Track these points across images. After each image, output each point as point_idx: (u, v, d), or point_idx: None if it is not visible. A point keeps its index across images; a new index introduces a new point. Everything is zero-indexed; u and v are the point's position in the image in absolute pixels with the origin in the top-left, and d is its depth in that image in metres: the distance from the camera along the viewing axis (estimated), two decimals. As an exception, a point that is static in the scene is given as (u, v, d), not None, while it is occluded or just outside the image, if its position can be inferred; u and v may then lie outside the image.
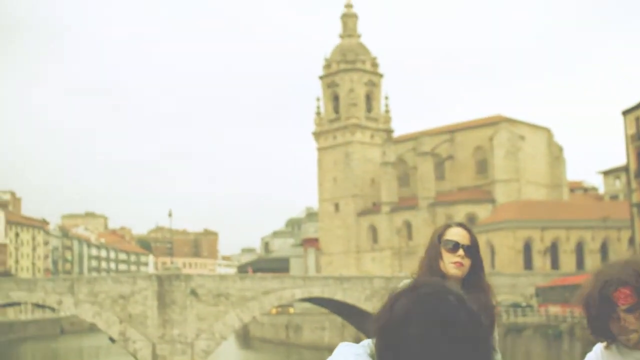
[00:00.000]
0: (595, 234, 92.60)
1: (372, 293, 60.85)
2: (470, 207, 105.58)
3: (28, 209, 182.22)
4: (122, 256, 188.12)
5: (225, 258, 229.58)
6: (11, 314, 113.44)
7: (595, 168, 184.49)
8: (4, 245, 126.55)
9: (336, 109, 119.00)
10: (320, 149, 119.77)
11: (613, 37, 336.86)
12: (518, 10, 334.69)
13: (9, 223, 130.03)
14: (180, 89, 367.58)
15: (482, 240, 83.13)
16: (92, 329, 74.76)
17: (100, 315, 54.84)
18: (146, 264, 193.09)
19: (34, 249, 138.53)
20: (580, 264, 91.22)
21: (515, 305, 62.35)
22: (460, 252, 3.82)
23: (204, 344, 55.55)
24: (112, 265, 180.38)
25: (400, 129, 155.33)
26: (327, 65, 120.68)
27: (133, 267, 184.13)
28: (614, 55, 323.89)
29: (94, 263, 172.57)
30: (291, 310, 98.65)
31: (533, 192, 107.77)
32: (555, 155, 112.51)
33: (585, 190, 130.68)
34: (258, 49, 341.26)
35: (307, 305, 79.42)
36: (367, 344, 2.50)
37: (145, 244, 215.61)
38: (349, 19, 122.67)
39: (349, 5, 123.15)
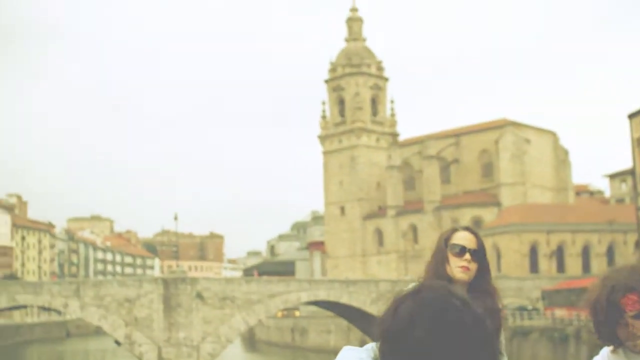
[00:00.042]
0: (601, 237, 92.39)
1: (377, 296, 60.81)
2: (475, 211, 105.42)
3: (34, 213, 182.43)
4: (128, 259, 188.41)
5: (231, 261, 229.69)
6: (17, 317, 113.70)
7: (601, 171, 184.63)
8: (10, 249, 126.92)
9: (342, 113, 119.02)
10: (325, 153, 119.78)
11: (619, 40, 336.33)
12: (522, 13, 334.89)
13: (15, 226, 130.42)
14: (185, 93, 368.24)
15: (487, 243, 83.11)
16: (98, 332, 74.88)
17: (106, 319, 54.91)
18: (152, 267, 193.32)
19: (40, 252, 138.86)
20: (586, 267, 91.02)
21: (522, 309, 62.26)
22: (467, 256, 3.82)
23: (209, 347, 55.57)
24: (118, 269, 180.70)
25: (405, 132, 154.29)
26: (333, 69, 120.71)
27: (139, 271, 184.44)
28: (620, 57, 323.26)
29: (99, 266, 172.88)
30: (297, 313, 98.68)
31: (539, 196, 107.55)
32: (561, 158, 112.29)
33: (591, 193, 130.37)
34: (264, 53, 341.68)
35: (313, 308, 79.50)
36: (371, 347, 2.50)
37: (151, 247, 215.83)
38: (354, 22, 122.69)
39: (354, 9, 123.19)
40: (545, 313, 59.00)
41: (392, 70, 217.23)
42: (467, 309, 1.94)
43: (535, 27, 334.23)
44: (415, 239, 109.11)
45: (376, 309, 58.83)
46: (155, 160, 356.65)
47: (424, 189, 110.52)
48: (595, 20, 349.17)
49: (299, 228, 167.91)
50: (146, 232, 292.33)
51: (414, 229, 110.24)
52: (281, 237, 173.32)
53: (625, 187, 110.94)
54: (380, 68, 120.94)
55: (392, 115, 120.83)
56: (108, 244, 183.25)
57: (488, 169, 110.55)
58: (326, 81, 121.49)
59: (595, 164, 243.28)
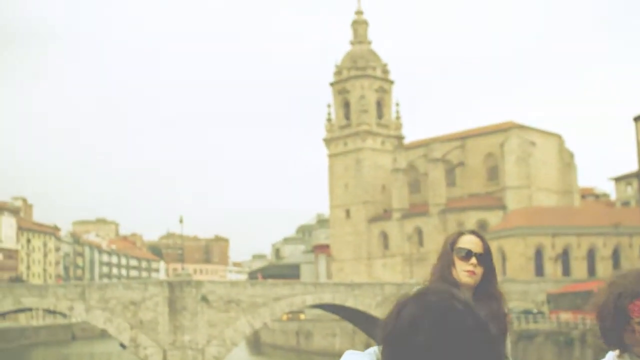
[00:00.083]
0: (606, 240, 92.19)
1: (383, 299, 60.76)
2: (481, 214, 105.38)
3: (39, 216, 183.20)
4: (133, 262, 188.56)
5: (236, 264, 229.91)
6: (22, 320, 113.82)
7: (607, 174, 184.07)
8: (16, 252, 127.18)
9: (347, 116, 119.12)
10: (331, 156, 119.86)
11: (619, 40, 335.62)
12: (527, 16, 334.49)
13: (21, 229, 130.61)
14: (190, 95, 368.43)
15: (493, 246, 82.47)
16: (103, 335, 75.07)
17: (111, 322, 54.95)
18: (157, 270, 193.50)
19: (45, 255, 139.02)
20: (591, 270, 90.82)
21: (527, 312, 62.12)
22: (473, 260, 3.81)
23: (214, 350, 55.56)
24: (123, 272, 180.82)
25: (411, 135, 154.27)
26: (338, 72, 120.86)
27: (144, 274, 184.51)
28: (621, 57, 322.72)
29: (105, 269, 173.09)
30: (302, 316, 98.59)
31: (544, 199, 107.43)
32: (566, 161, 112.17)
33: (597, 196, 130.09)
34: (266, 54, 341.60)
35: (318, 311, 79.39)
36: (373, 351, 2.50)
37: (156, 250, 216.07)
38: (359, 25, 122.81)
39: (359, 12, 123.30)
40: (550, 316, 58.83)
41: (397, 73, 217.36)
42: (469, 313, 1.93)
43: (540, 30, 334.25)
44: (421, 242, 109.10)
45: (381, 312, 58.75)
46: (160, 163, 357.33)
47: (429, 192, 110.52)
48: (595, 20, 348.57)
49: (304, 231, 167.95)
50: (151, 235, 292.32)
51: (419, 232, 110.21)
52: (286, 240, 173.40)
53: (630, 190, 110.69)
54: (385, 71, 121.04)
55: (398, 118, 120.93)
56: (113, 247, 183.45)
57: (493, 172, 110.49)
58: (331, 84, 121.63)
59: (600, 167, 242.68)
